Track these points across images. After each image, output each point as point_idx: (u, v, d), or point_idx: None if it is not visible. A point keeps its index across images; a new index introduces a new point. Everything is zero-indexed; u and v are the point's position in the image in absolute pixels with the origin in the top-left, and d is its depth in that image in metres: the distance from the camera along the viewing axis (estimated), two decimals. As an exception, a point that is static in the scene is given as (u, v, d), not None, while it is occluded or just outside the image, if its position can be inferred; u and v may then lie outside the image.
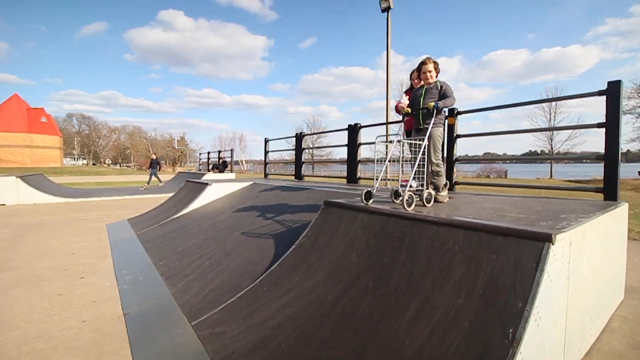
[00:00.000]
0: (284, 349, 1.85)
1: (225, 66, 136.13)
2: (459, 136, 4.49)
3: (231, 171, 14.76)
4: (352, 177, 6.21)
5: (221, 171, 14.76)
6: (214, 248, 3.67)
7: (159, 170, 14.99)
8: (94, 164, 64.30)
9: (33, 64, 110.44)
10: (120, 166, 66.85)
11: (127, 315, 2.55)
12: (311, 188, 4.84)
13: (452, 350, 1.49)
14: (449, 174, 4.43)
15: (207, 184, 6.15)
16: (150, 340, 2.17)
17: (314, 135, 40.46)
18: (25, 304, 2.77)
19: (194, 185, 6.84)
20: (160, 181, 14.85)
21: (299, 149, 7.46)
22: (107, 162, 70.07)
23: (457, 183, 4.61)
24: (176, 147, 53.93)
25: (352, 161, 6.14)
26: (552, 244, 1.63)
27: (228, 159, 15.38)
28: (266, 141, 8.87)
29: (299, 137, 7.50)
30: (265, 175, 8.89)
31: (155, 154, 16.50)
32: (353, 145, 6.10)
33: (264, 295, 2.43)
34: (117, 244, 4.85)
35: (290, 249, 2.84)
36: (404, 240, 2.16)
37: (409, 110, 2.94)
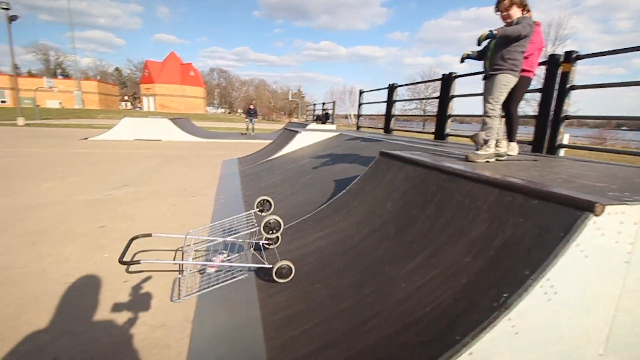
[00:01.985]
0: (305, 271, 2.17)
1: (343, 16, 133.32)
2: (573, 87, 3.62)
3: (332, 122, 15.29)
4: (440, 134, 5.78)
5: (323, 122, 15.45)
6: (286, 187, 4.18)
7: (256, 118, 17.08)
8: (229, 113, 75.19)
9: (186, 25, 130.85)
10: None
11: (211, 226, 3.29)
12: (390, 141, 4.80)
13: (436, 302, 1.52)
14: (554, 133, 3.72)
15: (297, 132, 6.69)
16: (219, 246, 2.81)
17: (428, 87, 37.08)
18: (153, 208, 3.86)
19: (288, 133, 7.54)
20: (252, 130, 17.03)
21: (389, 102, 7.21)
22: (238, 111, 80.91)
23: (562, 146, 3.82)
24: (290, 99, 57.77)
25: (442, 116, 5.66)
26: (596, 215, 1.38)
27: (331, 111, 15.89)
28: (360, 93, 8.81)
29: (391, 89, 7.20)
30: (358, 127, 8.99)
31: (253, 104, 18.45)
32: (445, 97, 5.57)
33: (307, 228, 2.76)
34: (224, 176, 5.95)
35: (341, 193, 3.05)
36: (437, 195, 2.10)
37: (469, 53, 2.55)
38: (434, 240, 1.84)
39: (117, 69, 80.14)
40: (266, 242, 2.39)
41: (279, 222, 2.28)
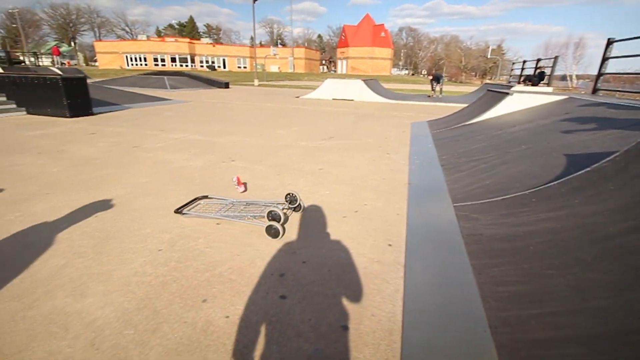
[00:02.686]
0: (530, 250, 1.89)
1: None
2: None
3: (548, 85, 12.22)
4: None
5: (534, 84, 12.57)
6: (493, 155, 3.71)
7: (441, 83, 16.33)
8: (412, 74, 72.97)
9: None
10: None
11: (409, 185, 3.37)
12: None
13: None
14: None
15: (508, 93, 5.70)
16: (421, 203, 2.85)
17: None
18: (356, 159, 4.28)
19: (493, 95, 6.55)
20: (437, 92, 16.00)
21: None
22: (422, 72, 77.13)
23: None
24: (489, 57, 49.63)
25: None
26: None
27: (548, 70, 12.66)
28: (609, 42, 6.45)
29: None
30: (595, 90, 6.79)
31: (438, 69, 17.17)
32: None
33: (530, 204, 2.38)
34: (415, 137, 5.91)
35: (583, 171, 2.42)
36: None
37: None
38: None
39: (319, 36, 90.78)
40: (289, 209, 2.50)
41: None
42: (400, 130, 6.68)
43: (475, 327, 1.47)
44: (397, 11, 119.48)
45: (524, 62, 15.17)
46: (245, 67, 54.66)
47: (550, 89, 11.74)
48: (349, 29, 55.72)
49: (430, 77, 16.95)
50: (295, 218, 2.53)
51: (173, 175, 3.45)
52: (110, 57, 51.04)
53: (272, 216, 2.27)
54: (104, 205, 2.68)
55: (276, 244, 2.14)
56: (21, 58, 29.81)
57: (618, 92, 8.79)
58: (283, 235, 2.22)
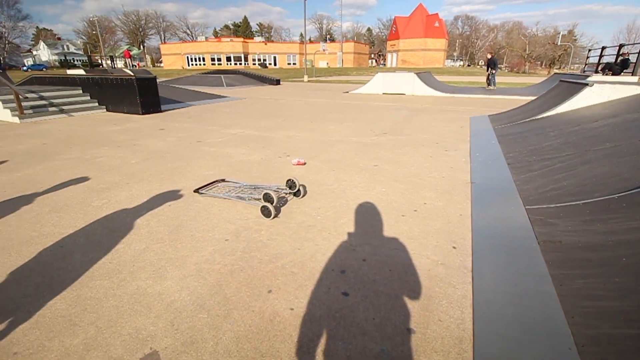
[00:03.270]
0: (622, 262, 1.67)
1: None
2: None
3: (633, 74, 10.66)
4: None
5: (616, 73, 11.07)
6: (571, 153, 3.34)
7: (495, 71, 14.20)
8: (468, 65, 68.56)
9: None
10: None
11: (473, 184, 3.17)
12: None
13: None
14: None
15: (586, 84, 5.09)
16: (487, 204, 2.67)
17: None
18: (411, 156, 4.13)
19: (568, 86, 5.89)
20: (491, 84, 14.21)
21: None
22: (479, 63, 72.05)
23: None
24: (558, 44, 44.83)
25: None
26: None
27: (633, 57, 11.05)
28: None
29: None
30: (700, 78, 5.77)
31: (491, 53, 15.08)
32: None
33: (619, 210, 2.10)
34: (475, 133, 5.54)
35: (691, 174, 2.07)
36: None
37: None
38: None
39: (368, 29, 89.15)
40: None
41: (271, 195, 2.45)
42: (458, 126, 6.31)
43: (559, 343, 1.34)
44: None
45: (603, 48, 13.40)
46: (294, 64, 55.66)
47: (635, 79, 10.25)
48: (401, 20, 53.84)
49: (486, 61, 15.07)
50: (343, 212, 2.51)
51: (234, 169, 3.63)
52: (174, 58, 55.24)
53: (267, 198, 2.48)
54: (175, 195, 2.91)
55: (335, 240, 2.15)
56: (100, 61, 33.52)
57: None
58: (275, 215, 2.44)
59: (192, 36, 75.87)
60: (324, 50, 33.89)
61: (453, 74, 34.67)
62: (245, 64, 53.93)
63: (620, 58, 11.34)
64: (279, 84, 19.23)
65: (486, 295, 1.65)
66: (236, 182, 3.04)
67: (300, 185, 2.75)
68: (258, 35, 76.86)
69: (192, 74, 22.87)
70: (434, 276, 1.79)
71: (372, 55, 74.72)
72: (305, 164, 3.64)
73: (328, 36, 76.32)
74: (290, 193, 2.76)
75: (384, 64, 60.67)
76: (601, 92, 4.98)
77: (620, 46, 11.64)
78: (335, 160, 3.98)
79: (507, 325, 1.45)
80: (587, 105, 5.05)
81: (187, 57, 54.64)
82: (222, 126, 6.28)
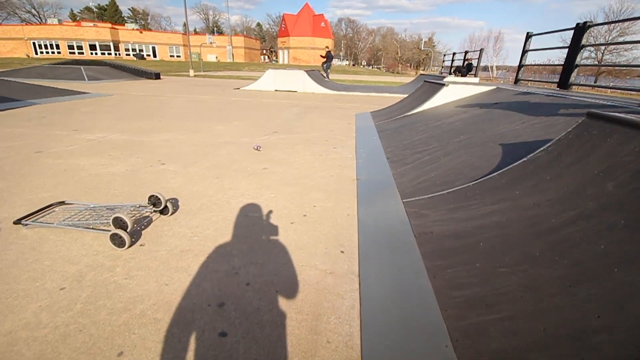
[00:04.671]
0: (480, 247, 1.87)
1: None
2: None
3: (475, 75, 13.21)
4: None
5: (463, 75, 13.51)
6: (435, 146, 3.77)
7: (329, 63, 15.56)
8: (352, 65, 74.45)
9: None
10: (372, 67, 74.00)
11: (358, 180, 3.26)
12: (572, 99, 3.71)
13: None
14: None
15: (444, 84, 5.92)
16: (370, 200, 2.75)
17: (611, 30, 27.99)
18: (302, 155, 4.07)
19: (430, 86, 6.79)
20: (325, 76, 15.51)
21: (574, 46, 5.52)
22: (362, 63, 79.15)
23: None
24: (422, 49, 52.67)
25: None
26: None
27: (474, 62, 13.68)
28: (528, 36, 7.07)
29: (580, 29, 5.44)
30: (516, 80, 7.42)
31: (327, 48, 16.96)
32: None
33: (474, 197, 2.39)
34: (360, 129, 5.87)
35: (520, 161, 2.50)
36: None
37: None
38: None
39: (258, 24, 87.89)
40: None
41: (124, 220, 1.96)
42: (346, 122, 6.62)
43: (437, 341, 1.37)
44: (336, 2, 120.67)
45: (454, 54, 16.22)
46: (179, 56, 50.78)
47: (477, 79, 12.70)
48: (289, 18, 54.65)
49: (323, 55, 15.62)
50: (226, 229, 2.24)
51: (85, 186, 2.90)
52: (13, 44, 43.73)
53: (117, 223, 1.97)
54: (-13, 232, 2.11)
55: (214, 265, 1.85)
56: None
57: (534, 82, 9.76)
58: (131, 245, 1.97)
59: (39, 18, 61.44)
60: (211, 43, 31.80)
61: (340, 72, 37.07)
62: (116, 54, 46.55)
63: (465, 62, 13.85)
64: (159, 78, 17.13)
65: (372, 301, 1.62)
66: (83, 204, 2.38)
67: (167, 200, 2.32)
68: (132, 22, 67.30)
69: (40, 64, 18.36)
70: (323, 289, 1.69)
71: (265, 51, 74.06)
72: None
73: (216, 29, 72.17)
74: (155, 212, 2.30)
75: (276, 61, 60.86)
76: (454, 92, 5.87)
77: (465, 53, 14.22)
78: (221, 165, 3.60)
79: (393, 332, 1.44)
80: (445, 102, 5.90)
81: (34, 43, 44.03)
82: (77, 130, 5.09)
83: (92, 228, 2.07)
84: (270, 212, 2.52)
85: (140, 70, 17.14)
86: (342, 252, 2.03)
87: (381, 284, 1.74)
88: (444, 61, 20.66)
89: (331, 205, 2.68)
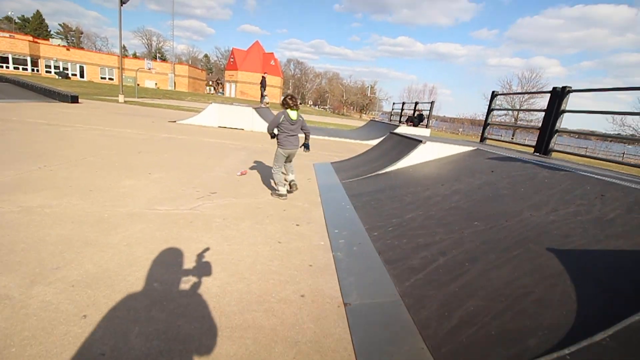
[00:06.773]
0: None
1: (424, 11, 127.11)
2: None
3: (426, 126, 13.31)
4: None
5: (415, 125, 13.55)
6: (444, 237, 2.68)
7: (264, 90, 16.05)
8: (300, 104, 76.01)
9: (270, 16, 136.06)
10: (318, 107, 76.43)
11: (348, 307, 1.97)
12: (580, 174, 3.00)
13: None
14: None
15: (421, 141, 5.13)
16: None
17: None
18: (247, 247, 2.68)
19: (400, 140, 6.00)
20: (262, 103, 15.67)
21: (551, 110, 5.21)
22: (309, 103, 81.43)
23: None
24: (368, 95, 55.98)
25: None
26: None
27: (425, 112, 13.89)
28: (493, 95, 6.84)
29: (557, 94, 5.18)
30: (482, 139, 7.06)
31: (264, 75, 17.47)
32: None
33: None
34: (325, 189, 4.69)
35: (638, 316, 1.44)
36: None
37: None
38: None
39: (206, 56, 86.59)
40: None
41: None
42: (305, 177, 5.42)
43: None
44: (286, 44, 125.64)
45: (403, 103, 16.56)
46: (112, 79, 46.36)
47: (428, 131, 12.76)
48: (239, 52, 54.31)
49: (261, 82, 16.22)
50: None
51: None
52: None
53: None
54: None
55: None
56: None
57: (500, 142, 9.77)
58: None
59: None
60: (149, 68, 29.34)
61: (289, 110, 36.79)
62: (34, 70, 40.86)
63: (417, 113, 13.99)
64: (77, 102, 14.44)
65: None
66: None
67: None
68: (60, 38, 60.95)
69: None
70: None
71: (211, 82, 72.19)
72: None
73: (159, 55, 68.85)
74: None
75: (222, 93, 59.28)
76: (432, 149, 5.10)
77: (416, 103, 14.45)
78: (103, 275, 2.03)
79: None
80: (422, 161, 5.07)
81: None
82: None
83: None
84: None
85: (53, 91, 14.34)
86: None
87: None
88: (392, 109, 21.26)
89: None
